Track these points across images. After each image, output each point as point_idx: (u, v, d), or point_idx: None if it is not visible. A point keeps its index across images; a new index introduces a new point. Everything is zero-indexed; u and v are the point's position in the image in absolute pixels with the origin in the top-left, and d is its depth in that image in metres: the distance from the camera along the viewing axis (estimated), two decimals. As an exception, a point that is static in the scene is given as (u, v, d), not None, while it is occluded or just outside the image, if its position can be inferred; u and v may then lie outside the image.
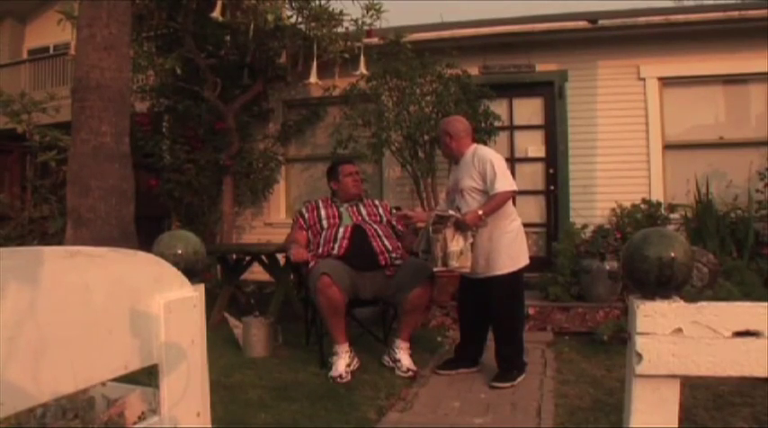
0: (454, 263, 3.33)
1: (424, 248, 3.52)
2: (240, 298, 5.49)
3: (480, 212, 3.32)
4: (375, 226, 3.94)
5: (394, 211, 4.24)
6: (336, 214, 4.01)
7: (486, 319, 3.62)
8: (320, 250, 3.83)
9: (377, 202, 4.29)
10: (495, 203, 3.34)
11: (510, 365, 3.50)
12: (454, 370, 3.66)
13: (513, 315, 3.57)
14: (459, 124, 3.67)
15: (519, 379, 3.47)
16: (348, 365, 3.58)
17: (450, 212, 3.40)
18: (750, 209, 5.39)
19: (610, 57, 6.07)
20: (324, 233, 3.92)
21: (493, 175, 3.35)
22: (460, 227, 3.33)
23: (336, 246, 3.79)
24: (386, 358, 3.76)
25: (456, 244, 3.31)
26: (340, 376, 3.49)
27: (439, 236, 3.33)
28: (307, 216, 4.06)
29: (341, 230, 3.87)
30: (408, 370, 3.60)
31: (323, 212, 4.04)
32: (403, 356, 3.66)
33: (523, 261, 3.53)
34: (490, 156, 3.46)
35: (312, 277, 3.60)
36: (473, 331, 3.70)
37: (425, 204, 5.76)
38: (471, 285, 3.60)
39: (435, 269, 3.46)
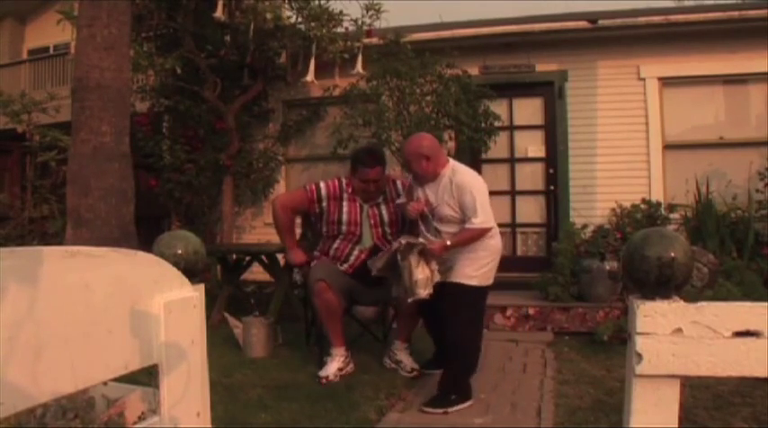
0: (421, 292, 3.15)
1: (380, 267, 3.34)
2: (240, 297, 5.49)
3: (448, 243, 3.18)
4: (391, 238, 3.63)
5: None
6: (358, 221, 3.65)
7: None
8: (329, 257, 3.71)
9: (398, 186, 3.74)
10: (467, 236, 3.17)
11: (448, 388, 3.13)
12: (439, 369, 3.43)
13: (468, 327, 3.24)
14: (432, 142, 3.39)
15: (456, 408, 3.03)
16: (341, 369, 3.56)
17: (421, 240, 3.24)
18: (750, 209, 5.38)
19: (610, 58, 6.06)
20: (339, 242, 3.68)
21: (473, 208, 3.13)
22: (425, 254, 3.18)
23: (346, 265, 3.67)
24: (386, 360, 3.74)
25: (422, 271, 3.16)
26: (326, 377, 3.47)
27: (405, 264, 3.18)
28: (323, 193, 3.71)
29: (355, 251, 3.66)
30: (412, 369, 3.59)
31: (345, 207, 3.67)
32: (404, 356, 3.65)
33: (489, 281, 3.29)
34: (470, 185, 3.20)
35: (309, 281, 3.60)
36: (441, 335, 3.47)
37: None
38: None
39: (410, 300, 3.22)
